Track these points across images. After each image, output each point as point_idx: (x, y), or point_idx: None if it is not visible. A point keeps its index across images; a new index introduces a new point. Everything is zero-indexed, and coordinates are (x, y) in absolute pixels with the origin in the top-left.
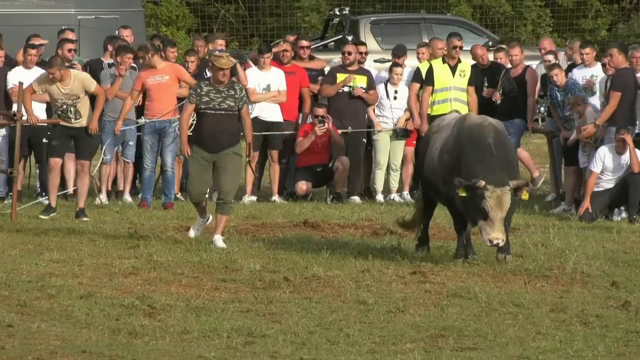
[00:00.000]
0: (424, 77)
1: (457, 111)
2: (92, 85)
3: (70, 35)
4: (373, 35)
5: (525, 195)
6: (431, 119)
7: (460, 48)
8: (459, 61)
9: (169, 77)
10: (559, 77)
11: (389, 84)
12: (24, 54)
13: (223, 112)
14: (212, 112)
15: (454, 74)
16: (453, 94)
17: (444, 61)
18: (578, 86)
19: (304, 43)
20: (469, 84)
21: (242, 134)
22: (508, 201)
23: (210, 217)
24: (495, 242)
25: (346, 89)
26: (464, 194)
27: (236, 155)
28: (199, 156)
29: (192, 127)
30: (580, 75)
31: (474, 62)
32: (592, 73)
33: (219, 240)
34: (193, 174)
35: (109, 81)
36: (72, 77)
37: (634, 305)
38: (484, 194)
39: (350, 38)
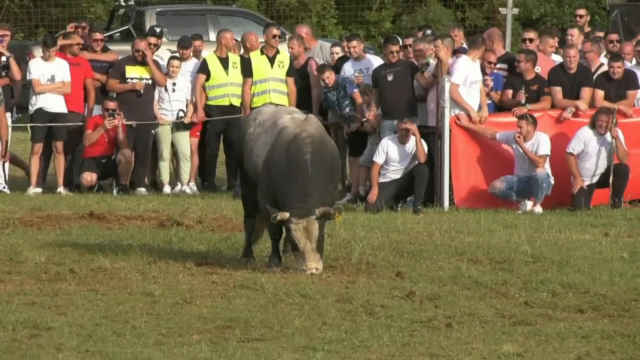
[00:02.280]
0: (243, 69)
1: (271, 103)
2: None
3: None
4: (159, 27)
5: (338, 218)
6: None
7: (279, 37)
8: (278, 52)
9: None
10: (330, 79)
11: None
12: None
13: None
14: None
15: (272, 64)
16: (272, 85)
17: (262, 52)
18: (348, 81)
19: (98, 36)
20: (288, 74)
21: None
22: (316, 230)
23: None
24: (309, 272)
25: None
26: (274, 222)
27: None
28: None
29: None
30: (351, 68)
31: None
32: (361, 67)
33: None
34: None
35: None
36: None
37: (419, 296)
38: (289, 227)
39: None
